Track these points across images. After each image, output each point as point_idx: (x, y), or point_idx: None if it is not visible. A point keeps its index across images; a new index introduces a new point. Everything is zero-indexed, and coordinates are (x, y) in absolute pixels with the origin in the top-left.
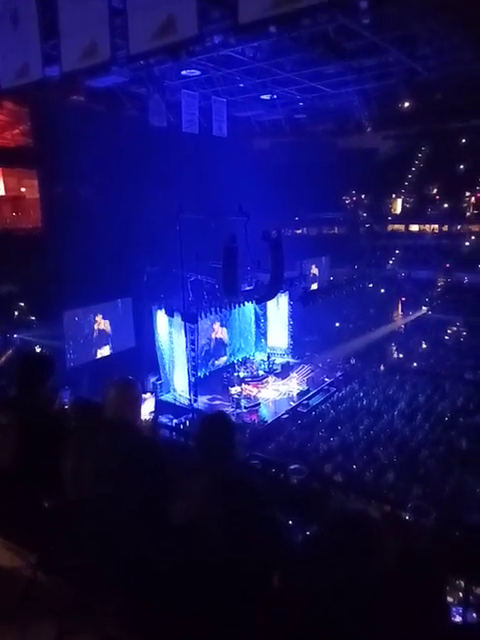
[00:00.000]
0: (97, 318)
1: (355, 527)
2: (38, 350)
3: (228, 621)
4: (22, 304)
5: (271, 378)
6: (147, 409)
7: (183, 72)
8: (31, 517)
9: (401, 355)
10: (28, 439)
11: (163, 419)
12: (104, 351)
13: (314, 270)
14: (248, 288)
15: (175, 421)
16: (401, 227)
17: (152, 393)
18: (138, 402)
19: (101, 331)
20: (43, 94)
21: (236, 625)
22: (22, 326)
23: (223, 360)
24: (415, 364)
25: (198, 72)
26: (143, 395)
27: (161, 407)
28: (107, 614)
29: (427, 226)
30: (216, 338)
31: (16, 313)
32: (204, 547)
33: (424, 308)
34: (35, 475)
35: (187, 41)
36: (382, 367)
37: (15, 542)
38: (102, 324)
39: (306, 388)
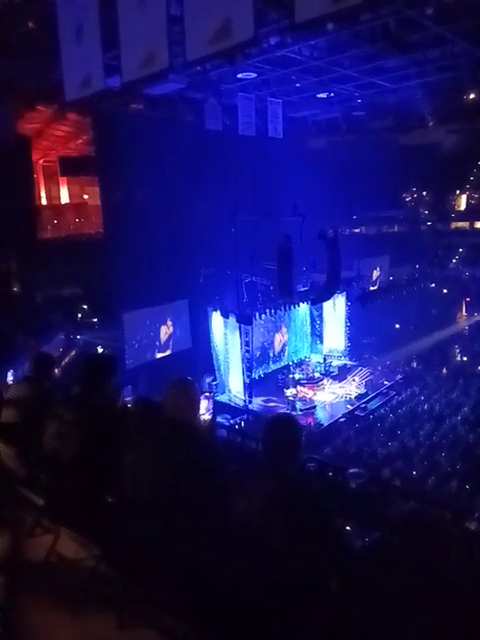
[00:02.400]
0: (168, 322)
1: (429, 534)
2: (101, 350)
3: (284, 623)
4: (85, 306)
5: (327, 380)
6: (205, 409)
7: (239, 75)
8: (95, 511)
9: (465, 358)
10: (92, 435)
11: (220, 419)
12: (166, 352)
13: (374, 270)
14: (303, 289)
15: (232, 421)
16: (466, 224)
17: (210, 393)
18: (196, 402)
19: (167, 332)
20: (104, 104)
21: (292, 627)
22: (85, 327)
23: (280, 362)
24: None
25: (254, 74)
26: (201, 395)
27: (217, 407)
28: (165, 609)
29: None
30: (282, 340)
31: (79, 315)
32: (263, 548)
33: None
34: (99, 470)
35: (243, 44)
36: (445, 370)
37: (80, 534)
38: (169, 325)
39: (364, 391)
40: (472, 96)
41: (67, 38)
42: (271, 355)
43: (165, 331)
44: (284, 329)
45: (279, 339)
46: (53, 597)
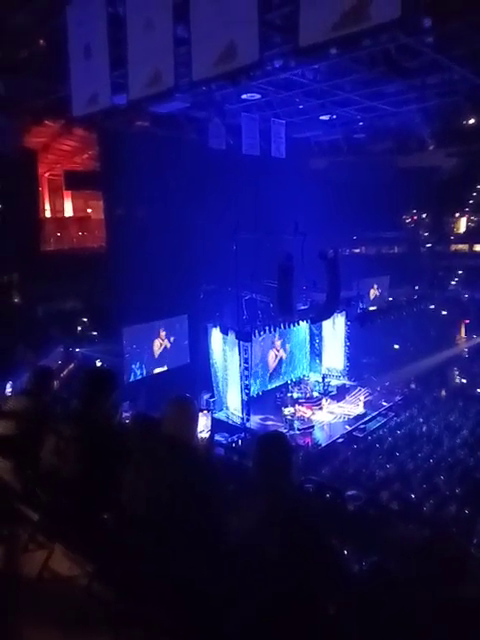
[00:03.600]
0: (161, 333)
1: (443, 555)
2: (100, 364)
3: None
4: (85, 319)
5: (326, 400)
6: (203, 427)
7: (243, 96)
8: (91, 528)
9: (464, 380)
10: (90, 451)
11: (218, 437)
12: (163, 367)
13: (373, 290)
14: (303, 307)
15: (229, 440)
16: (465, 247)
17: (208, 411)
18: (195, 420)
19: (163, 347)
20: (110, 121)
21: None
22: (84, 341)
23: (279, 380)
24: (479, 390)
25: (258, 96)
26: (199, 412)
27: (214, 425)
28: (161, 628)
29: None
30: (277, 357)
31: (79, 328)
32: (259, 567)
33: None
34: (96, 487)
35: (248, 67)
36: (443, 392)
37: (74, 550)
38: (164, 340)
39: (363, 412)
40: (471, 121)
41: (76, 56)
42: (269, 373)
43: (162, 345)
44: (278, 343)
45: (273, 355)
46: (45, 614)
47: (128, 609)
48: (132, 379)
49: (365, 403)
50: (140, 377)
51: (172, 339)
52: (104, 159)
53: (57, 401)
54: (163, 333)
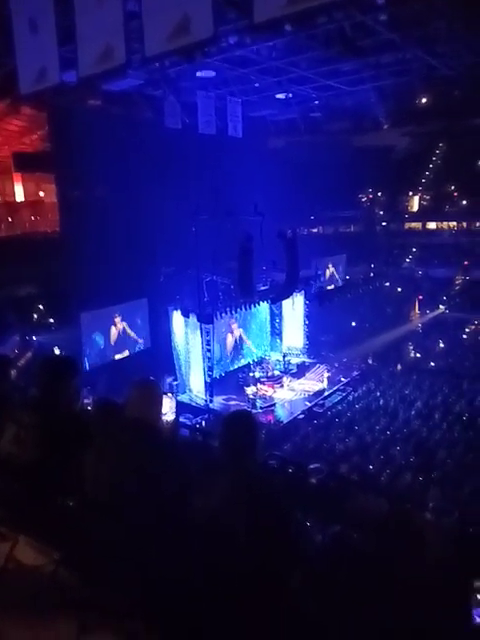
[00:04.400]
0: (115, 320)
1: (402, 528)
2: (57, 352)
3: (247, 619)
4: (41, 306)
5: (287, 378)
6: (168, 409)
7: (198, 74)
8: (54, 515)
9: (418, 354)
10: (51, 438)
11: (182, 419)
12: (123, 353)
13: (330, 269)
14: (263, 288)
15: (193, 421)
16: (418, 225)
17: (172, 394)
18: (159, 402)
19: (121, 332)
20: (61, 99)
21: (256, 624)
22: (41, 328)
23: (243, 358)
24: (433, 363)
25: (213, 73)
26: (163, 395)
27: (178, 407)
28: (126, 612)
29: (445, 224)
30: (233, 338)
31: (35, 315)
32: (226, 545)
33: (442, 307)
34: (58, 474)
35: (202, 42)
36: (399, 367)
37: (39, 539)
38: (120, 325)
39: (322, 388)
40: (424, 100)
41: (21, 31)
42: (230, 354)
43: (122, 330)
44: (234, 325)
45: (231, 337)
46: (12, 604)
47: (94, 594)
48: (91, 366)
49: (324, 379)
50: (100, 363)
51: (127, 324)
52: (55, 139)
53: (16, 389)
54: (118, 318)
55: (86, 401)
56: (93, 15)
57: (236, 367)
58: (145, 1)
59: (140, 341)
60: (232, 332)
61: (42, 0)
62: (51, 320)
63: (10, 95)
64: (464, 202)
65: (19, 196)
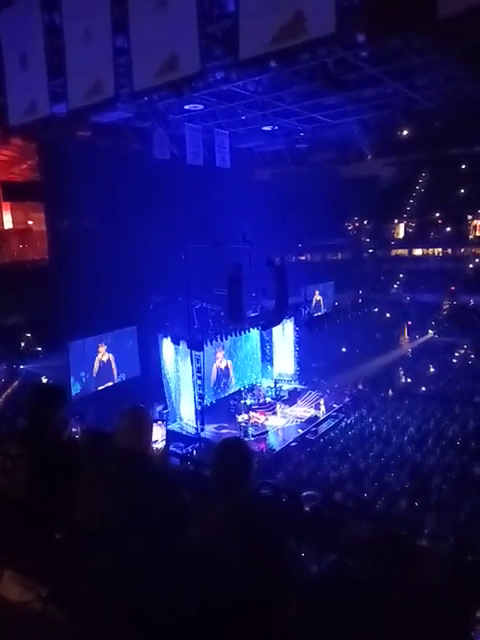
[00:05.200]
0: (100, 349)
1: (397, 556)
2: (45, 381)
3: None
4: (28, 335)
5: (279, 405)
6: (158, 437)
7: (186, 107)
8: (42, 549)
9: (409, 379)
10: (39, 469)
11: (172, 448)
12: (112, 381)
13: (318, 296)
14: (253, 315)
15: (184, 450)
16: (405, 251)
17: (163, 422)
18: (149, 430)
19: (104, 362)
20: (50, 130)
21: None
22: (28, 357)
23: (230, 388)
24: (424, 388)
25: (201, 106)
26: (153, 423)
27: (169, 436)
28: None
29: (430, 250)
30: (221, 367)
31: (22, 344)
32: (219, 574)
33: (431, 332)
34: (46, 506)
35: (189, 77)
36: (390, 392)
37: (25, 575)
38: (105, 356)
39: (314, 415)
40: (405, 132)
41: (11, 65)
42: (219, 382)
43: (111, 360)
44: (220, 355)
45: (217, 367)
46: None
47: (84, 628)
48: (80, 395)
49: (316, 406)
50: (89, 392)
51: (119, 351)
52: (45, 169)
53: (2, 419)
54: (103, 348)
55: (74, 430)
56: (83, 50)
57: (227, 394)
58: (134, 38)
59: (118, 378)
60: (219, 363)
61: (33, 36)
62: (39, 349)
63: None
64: (448, 228)
65: (7, 224)
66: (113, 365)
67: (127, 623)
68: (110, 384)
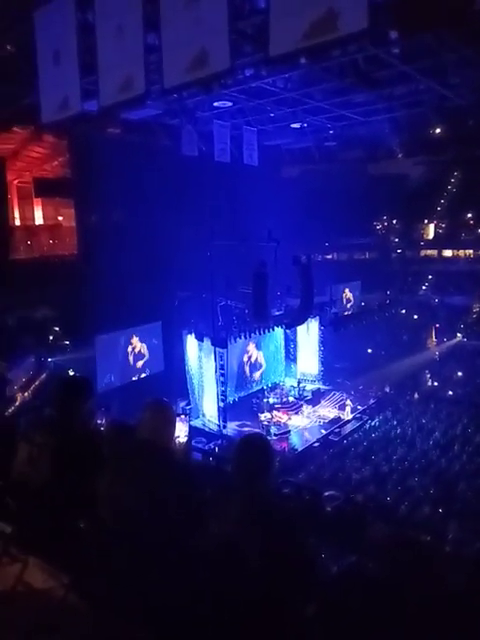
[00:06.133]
0: (133, 340)
1: (416, 558)
2: (72, 373)
3: None
4: (57, 328)
5: (303, 406)
6: (181, 432)
7: (215, 104)
8: (66, 537)
9: (436, 383)
10: (64, 459)
11: (195, 443)
12: (138, 374)
13: (346, 295)
14: (278, 313)
15: (206, 447)
16: (434, 252)
17: (186, 416)
18: (172, 424)
19: (138, 354)
20: (81, 127)
21: None
22: (56, 350)
23: (254, 386)
24: (451, 392)
25: (230, 103)
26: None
27: (191, 432)
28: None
29: (461, 251)
30: (250, 362)
31: (51, 337)
32: (237, 571)
33: (459, 335)
34: (71, 495)
35: (219, 74)
36: (416, 395)
37: (49, 561)
38: (139, 347)
39: (338, 415)
40: (437, 130)
41: (45, 62)
42: (244, 379)
43: (136, 351)
44: (251, 347)
45: (247, 360)
46: (21, 628)
47: (105, 619)
48: (105, 388)
49: (340, 407)
50: (114, 386)
51: (145, 346)
52: (75, 166)
53: (30, 410)
54: (136, 338)
55: (100, 422)
56: (115, 47)
57: (250, 392)
58: (165, 34)
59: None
60: (250, 355)
61: (67, 32)
62: (67, 342)
63: (33, 123)
64: None
65: (38, 220)
66: (146, 355)
67: (140, 620)
68: (135, 378)
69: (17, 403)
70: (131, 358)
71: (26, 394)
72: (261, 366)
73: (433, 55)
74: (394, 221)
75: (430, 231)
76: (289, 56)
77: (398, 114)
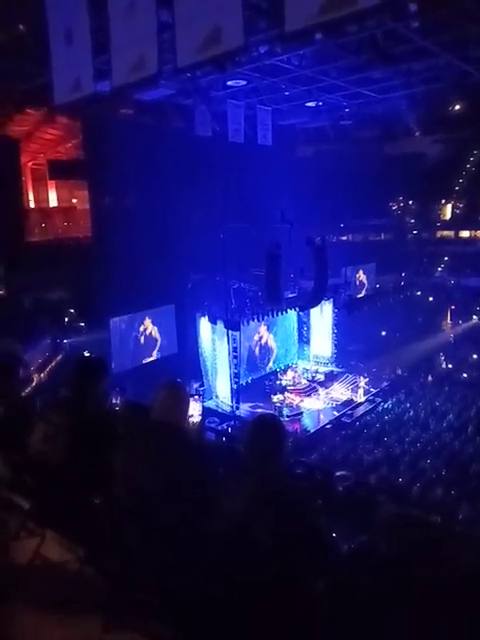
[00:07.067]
0: (146, 323)
1: (423, 538)
2: (88, 355)
3: (271, 621)
4: (72, 310)
5: (316, 388)
6: (194, 411)
7: (229, 83)
8: (81, 513)
9: (450, 365)
10: (80, 438)
11: (208, 423)
12: (151, 356)
13: (360, 277)
14: (291, 295)
15: (219, 427)
16: (450, 233)
17: (200, 396)
18: (185, 404)
19: (149, 336)
20: (94, 108)
21: (280, 626)
22: (72, 331)
23: (267, 367)
24: (465, 375)
25: (244, 82)
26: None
27: (204, 413)
28: (151, 612)
29: (479, 233)
30: (261, 344)
31: (66, 319)
32: (249, 549)
33: (475, 317)
34: (86, 473)
35: (233, 52)
36: (430, 378)
37: (65, 535)
38: (151, 329)
39: (350, 398)
40: (457, 107)
41: (57, 42)
42: (257, 361)
43: (150, 333)
44: (263, 329)
45: (260, 342)
46: (37, 600)
47: (118, 593)
48: (120, 369)
49: (353, 389)
50: (128, 367)
51: (158, 329)
52: (88, 148)
53: (46, 391)
54: (148, 320)
55: (114, 402)
56: (126, 26)
57: (263, 374)
58: (178, 11)
59: (157, 354)
60: (261, 337)
61: (78, 11)
62: (82, 324)
63: (46, 105)
64: None
65: (52, 202)
66: (158, 339)
67: (156, 593)
68: (149, 359)
69: (34, 384)
70: (144, 340)
71: (42, 375)
72: (273, 349)
73: (454, 28)
74: (410, 201)
75: (447, 211)
76: (305, 31)
77: (416, 90)
